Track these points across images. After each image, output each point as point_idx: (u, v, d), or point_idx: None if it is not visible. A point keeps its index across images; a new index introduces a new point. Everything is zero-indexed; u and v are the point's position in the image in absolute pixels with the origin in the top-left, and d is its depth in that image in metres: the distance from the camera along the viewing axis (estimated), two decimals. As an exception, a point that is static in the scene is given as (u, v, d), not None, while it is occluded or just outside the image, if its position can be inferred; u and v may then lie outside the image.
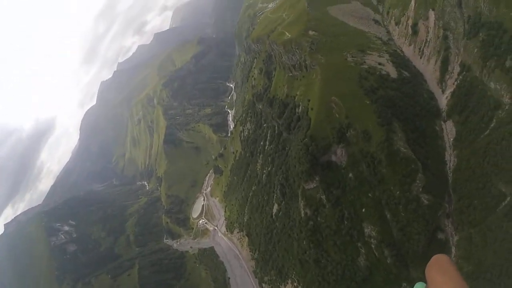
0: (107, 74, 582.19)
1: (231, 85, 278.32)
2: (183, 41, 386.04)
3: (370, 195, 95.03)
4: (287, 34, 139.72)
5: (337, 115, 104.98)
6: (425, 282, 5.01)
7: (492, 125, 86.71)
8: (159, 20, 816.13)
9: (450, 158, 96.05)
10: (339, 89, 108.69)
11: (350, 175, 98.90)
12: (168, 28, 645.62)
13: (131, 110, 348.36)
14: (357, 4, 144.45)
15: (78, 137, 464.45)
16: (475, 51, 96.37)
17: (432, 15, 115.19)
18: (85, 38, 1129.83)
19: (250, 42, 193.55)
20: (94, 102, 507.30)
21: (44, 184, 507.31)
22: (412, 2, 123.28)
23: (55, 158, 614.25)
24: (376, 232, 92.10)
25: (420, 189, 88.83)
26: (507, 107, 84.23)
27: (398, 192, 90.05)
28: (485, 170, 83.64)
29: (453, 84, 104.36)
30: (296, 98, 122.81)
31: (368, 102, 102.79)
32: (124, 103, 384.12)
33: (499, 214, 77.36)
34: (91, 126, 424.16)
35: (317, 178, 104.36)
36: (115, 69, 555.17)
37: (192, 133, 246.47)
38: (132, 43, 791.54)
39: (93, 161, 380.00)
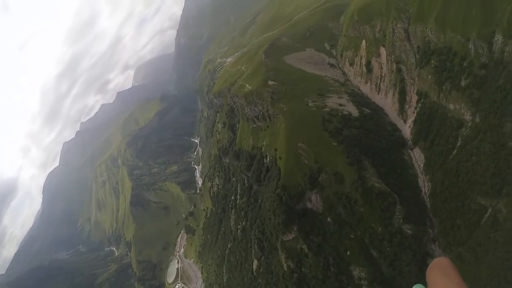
0: (70, 134, 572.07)
1: (196, 141, 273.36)
2: (145, 99, 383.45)
3: (352, 236, 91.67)
4: (247, 86, 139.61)
5: (306, 161, 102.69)
6: (425, 285, 4.86)
7: (458, 144, 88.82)
8: (121, 78, 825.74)
9: (424, 184, 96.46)
10: (305, 135, 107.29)
11: (329, 219, 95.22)
12: (130, 86, 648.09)
13: (95, 172, 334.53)
14: (312, 51, 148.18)
15: (41, 200, 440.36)
16: (429, 77, 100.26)
17: (383, 51, 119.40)
18: (47, 98, 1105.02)
19: (212, 97, 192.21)
20: (57, 164, 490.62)
21: (8, 251, 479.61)
22: (363, 42, 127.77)
23: (19, 222, 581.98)
24: (366, 273, 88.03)
25: (401, 221, 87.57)
26: (469, 124, 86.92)
27: (380, 228, 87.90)
28: (461, 189, 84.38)
29: (413, 112, 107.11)
30: (262, 149, 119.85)
31: (335, 144, 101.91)
32: (88, 164, 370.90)
33: (484, 227, 77.59)
34: (55, 189, 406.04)
35: (295, 228, 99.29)
36: (78, 129, 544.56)
37: (159, 192, 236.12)
38: (94, 102, 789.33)
39: (57, 226, 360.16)
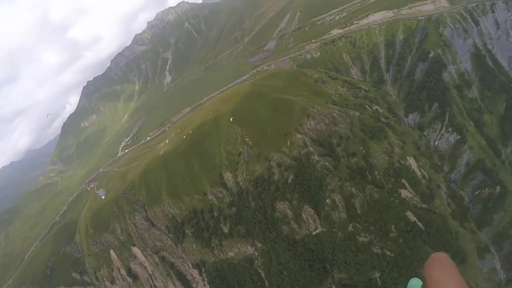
0: None
1: None
2: None
3: None
4: None
5: None
6: (421, 279, 4.66)
7: (263, 275, 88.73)
8: None
9: None
10: None
11: None
12: None
13: None
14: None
15: None
16: (194, 246, 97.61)
17: (137, 251, 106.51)
18: None
19: None
20: None
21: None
22: (112, 252, 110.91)
23: None
24: None
25: None
26: (256, 253, 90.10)
27: None
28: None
29: (204, 285, 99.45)
30: None
31: None
32: None
33: None
34: None
35: None
36: None
37: None
38: None
39: None
